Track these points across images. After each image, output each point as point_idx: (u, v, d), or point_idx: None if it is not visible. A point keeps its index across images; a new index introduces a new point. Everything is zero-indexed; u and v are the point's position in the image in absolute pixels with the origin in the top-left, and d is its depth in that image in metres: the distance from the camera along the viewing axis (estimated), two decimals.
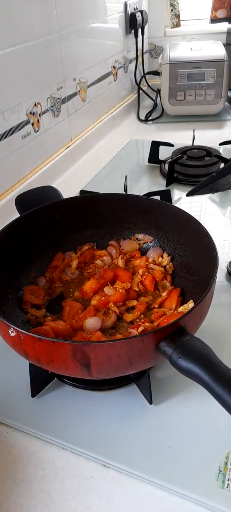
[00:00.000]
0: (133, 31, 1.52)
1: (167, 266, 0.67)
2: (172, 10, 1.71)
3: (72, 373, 0.48)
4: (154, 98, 1.59)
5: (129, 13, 1.47)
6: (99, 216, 0.72)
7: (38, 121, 0.99)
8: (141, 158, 1.22)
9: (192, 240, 0.63)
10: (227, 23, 1.65)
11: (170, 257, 0.68)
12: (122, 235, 0.73)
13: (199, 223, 0.61)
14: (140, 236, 0.72)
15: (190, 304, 0.56)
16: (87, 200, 0.74)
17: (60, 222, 0.69)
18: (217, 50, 1.41)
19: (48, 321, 0.58)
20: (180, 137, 1.25)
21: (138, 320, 0.59)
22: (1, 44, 0.83)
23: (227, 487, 0.43)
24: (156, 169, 1.12)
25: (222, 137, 1.17)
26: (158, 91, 1.55)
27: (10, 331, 0.46)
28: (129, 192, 0.85)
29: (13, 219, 0.65)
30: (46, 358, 0.45)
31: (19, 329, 0.45)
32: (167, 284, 0.64)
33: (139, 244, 0.72)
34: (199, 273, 0.59)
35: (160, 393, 0.52)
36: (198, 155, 1.06)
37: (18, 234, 0.64)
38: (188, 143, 1.15)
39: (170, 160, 1.06)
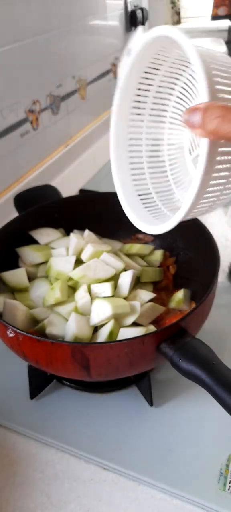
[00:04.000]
0: (133, 28, 1.51)
1: (170, 267, 0.66)
2: (172, 8, 1.70)
3: (71, 375, 0.48)
4: None
5: (129, 10, 1.46)
6: (99, 215, 0.71)
7: (37, 119, 0.99)
8: None
9: (194, 240, 0.62)
10: (228, 20, 1.64)
11: (174, 257, 0.67)
12: (122, 234, 0.72)
13: (201, 223, 0.60)
14: (140, 235, 0.71)
15: (192, 305, 0.56)
16: (87, 199, 0.74)
17: (59, 222, 0.69)
18: (218, 48, 1.41)
19: None
20: None
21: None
22: None
23: (229, 490, 0.43)
24: None
25: None
26: None
27: (8, 332, 0.46)
28: None
29: (12, 218, 0.65)
30: (45, 359, 0.45)
31: (18, 330, 0.45)
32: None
33: (139, 243, 0.71)
34: (200, 273, 0.58)
35: (161, 395, 0.52)
36: None
37: (16, 234, 0.64)
38: None
39: None
